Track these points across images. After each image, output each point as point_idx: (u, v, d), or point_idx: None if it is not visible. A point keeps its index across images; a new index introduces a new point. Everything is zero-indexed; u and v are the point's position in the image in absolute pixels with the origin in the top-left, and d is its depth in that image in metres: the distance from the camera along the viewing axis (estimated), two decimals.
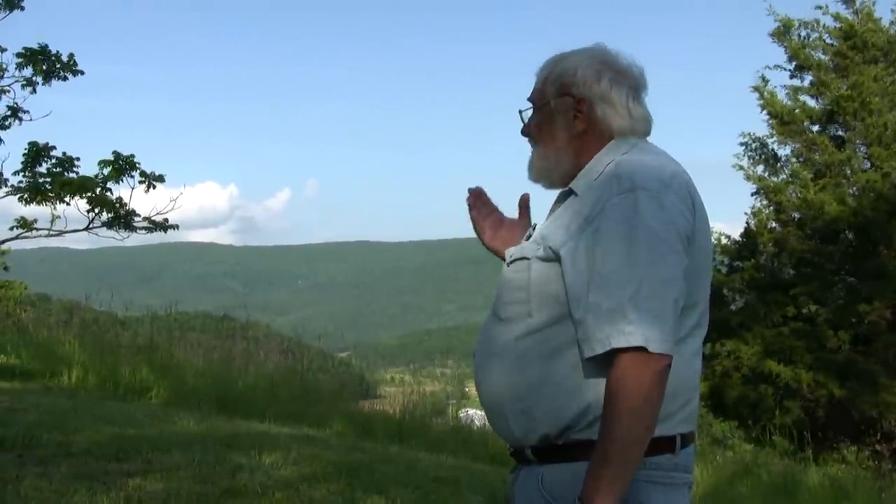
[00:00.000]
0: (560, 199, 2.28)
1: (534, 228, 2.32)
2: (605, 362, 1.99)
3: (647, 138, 2.31)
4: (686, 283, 2.06)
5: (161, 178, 11.12)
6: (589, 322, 2.01)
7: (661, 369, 1.96)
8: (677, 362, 2.04)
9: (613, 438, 1.94)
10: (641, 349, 1.94)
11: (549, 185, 2.33)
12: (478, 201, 2.60)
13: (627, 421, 1.94)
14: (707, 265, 2.20)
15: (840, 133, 16.37)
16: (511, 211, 2.58)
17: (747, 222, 16.76)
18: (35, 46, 10.70)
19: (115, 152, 10.97)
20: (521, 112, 2.39)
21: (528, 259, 2.17)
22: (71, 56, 10.94)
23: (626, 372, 1.95)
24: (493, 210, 2.59)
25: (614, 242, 2.02)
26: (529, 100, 2.37)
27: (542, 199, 2.44)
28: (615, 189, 2.07)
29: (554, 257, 2.11)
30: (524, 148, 2.42)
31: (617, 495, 1.93)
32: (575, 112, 2.25)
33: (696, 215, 2.13)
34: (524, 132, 2.38)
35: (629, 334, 1.94)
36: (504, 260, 2.42)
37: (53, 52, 10.80)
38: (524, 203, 2.56)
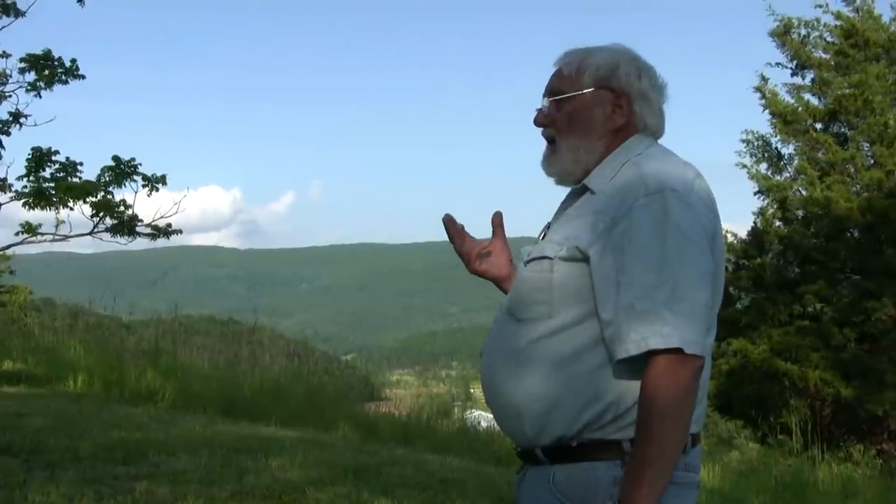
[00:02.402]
0: (572, 197, 2.27)
1: (548, 227, 2.29)
2: (630, 363, 1.99)
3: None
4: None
5: (163, 180, 11.11)
6: (621, 323, 2.00)
7: (696, 370, 1.97)
8: None
9: (654, 439, 1.94)
10: (677, 350, 1.94)
11: (568, 180, 2.28)
12: (452, 229, 2.54)
13: (667, 421, 1.94)
14: (721, 267, 2.20)
15: (843, 131, 16.35)
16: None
17: (754, 221, 16.77)
18: (38, 52, 10.73)
19: (115, 157, 10.97)
20: (549, 100, 2.30)
21: (549, 259, 2.14)
22: (73, 61, 10.95)
23: (664, 373, 1.94)
24: (464, 234, 2.54)
25: (646, 244, 2.01)
26: (554, 89, 2.29)
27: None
28: (642, 190, 2.05)
29: (580, 257, 2.09)
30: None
31: (657, 495, 1.94)
32: (614, 107, 2.23)
33: (715, 217, 2.14)
34: (542, 122, 2.31)
35: (667, 336, 1.94)
36: (495, 279, 2.46)
37: (56, 56, 10.81)
38: (498, 222, 2.52)
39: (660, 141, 2.32)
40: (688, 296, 1.98)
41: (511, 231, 2.62)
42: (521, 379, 2.14)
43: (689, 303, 1.97)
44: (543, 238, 2.26)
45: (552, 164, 2.29)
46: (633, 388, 2.01)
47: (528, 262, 2.20)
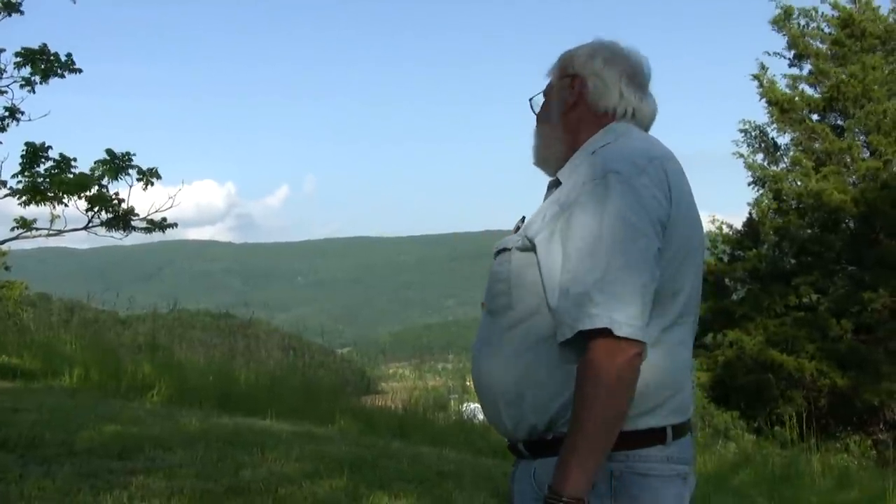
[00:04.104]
0: (550, 189, 2.28)
1: (522, 220, 2.31)
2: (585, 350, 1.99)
3: (646, 129, 2.31)
4: (664, 270, 2.04)
5: (156, 174, 11.08)
6: (559, 308, 2.01)
7: (633, 355, 1.95)
8: (662, 352, 2.04)
9: (582, 425, 1.94)
10: (612, 336, 1.93)
11: (548, 167, 2.33)
12: None
13: (597, 407, 1.93)
14: (691, 252, 2.16)
15: (839, 122, 16.37)
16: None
17: (749, 212, 16.77)
18: (34, 47, 10.68)
19: (108, 150, 10.93)
20: (531, 102, 2.42)
21: (508, 250, 2.18)
22: (69, 56, 10.92)
23: (595, 358, 1.94)
24: None
25: (584, 228, 2.02)
26: (543, 92, 2.40)
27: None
28: (589, 175, 2.08)
29: (531, 246, 2.11)
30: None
31: (585, 482, 1.92)
32: (569, 88, 2.29)
33: (672, 201, 2.10)
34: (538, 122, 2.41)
35: (594, 317, 1.93)
36: None
37: (53, 52, 10.77)
38: None
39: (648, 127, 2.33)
40: (620, 278, 1.96)
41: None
42: (494, 371, 2.16)
43: (621, 284, 1.96)
44: (517, 231, 2.29)
45: (532, 153, 2.38)
46: None
47: (496, 254, 2.24)
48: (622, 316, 1.93)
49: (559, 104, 2.30)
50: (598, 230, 2.00)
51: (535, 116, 2.40)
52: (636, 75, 2.29)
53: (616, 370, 1.93)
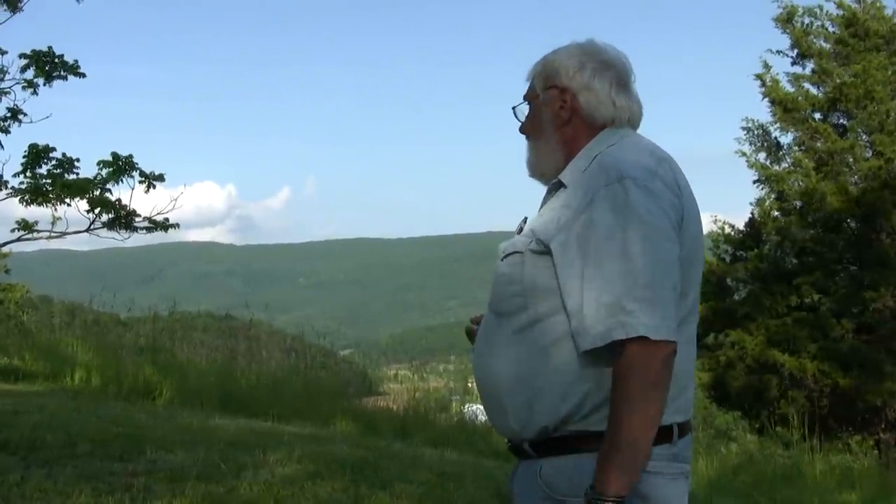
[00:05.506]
0: (550, 192, 2.29)
1: (525, 221, 2.32)
2: (602, 352, 2.00)
3: (636, 130, 2.33)
4: (679, 270, 2.07)
5: (161, 178, 11.08)
6: (586, 314, 2.01)
7: (667, 355, 1.97)
8: None
9: (623, 425, 1.95)
10: (643, 338, 1.95)
11: (545, 179, 2.34)
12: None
13: (637, 408, 1.95)
14: (698, 252, 2.21)
15: (842, 121, 16.31)
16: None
17: (752, 212, 16.73)
18: (39, 49, 10.68)
19: (113, 153, 10.92)
20: (514, 110, 2.43)
21: (520, 253, 2.18)
22: (76, 62, 10.94)
23: (633, 360, 1.95)
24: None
25: (607, 234, 2.02)
26: (524, 98, 2.41)
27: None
28: (603, 180, 2.09)
29: (546, 250, 2.12)
30: (521, 140, 2.45)
31: (628, 482, 1.94)
32: (560, 102, 2.29)
33: (683, 202, 2.14)
34: (522, 131, 2.41)
35: (629, 326, 1.95)
36: None
37: (59, 54, 10.77)
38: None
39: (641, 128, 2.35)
40: (651, 283, 1.98)
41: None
42: (503, 373, 2.17)
43: (652, 290, 1.98)
44: (520, 233, 2.30)
45: (527, 166, 2.39)
46: (609, 377, 2.02)
47: (504, 257, 2.24)
48: (656, 321, 1.96)
49: (552, 119, 2.31)
50: (622, 236, 2.01)
51: (522, 126, 2.40)
52: (622, 78, 2.31)
53: (655, 370, 1.96)
